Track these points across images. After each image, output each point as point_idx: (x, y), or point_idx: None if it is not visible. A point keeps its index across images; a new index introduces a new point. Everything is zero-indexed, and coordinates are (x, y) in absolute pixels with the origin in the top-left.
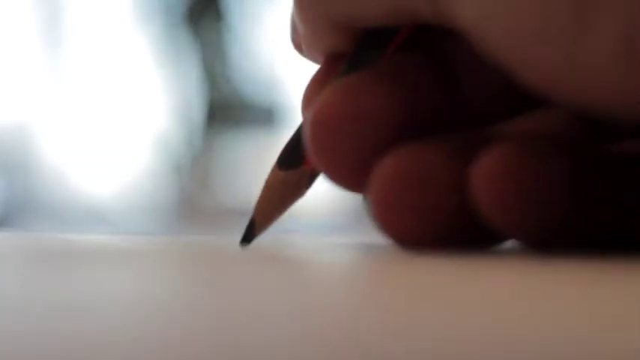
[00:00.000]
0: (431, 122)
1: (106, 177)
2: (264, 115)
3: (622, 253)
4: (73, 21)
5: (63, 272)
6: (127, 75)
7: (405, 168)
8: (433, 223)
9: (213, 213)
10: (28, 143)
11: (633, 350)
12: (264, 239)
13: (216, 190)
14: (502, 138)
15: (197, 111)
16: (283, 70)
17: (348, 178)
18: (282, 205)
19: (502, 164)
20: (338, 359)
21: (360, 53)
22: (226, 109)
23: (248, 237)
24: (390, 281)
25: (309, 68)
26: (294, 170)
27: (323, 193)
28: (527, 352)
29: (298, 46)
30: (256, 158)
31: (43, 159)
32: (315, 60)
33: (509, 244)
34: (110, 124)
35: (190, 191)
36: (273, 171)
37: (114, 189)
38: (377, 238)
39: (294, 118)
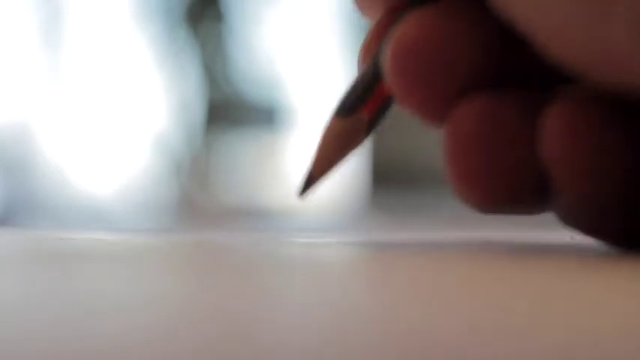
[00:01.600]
0: (508, 64)
1: (106, 176)
2: (264, 115)
3: None
4: (73, 21)
5: (62, 271)
6: (127, 75)
7: (478, 120)
8: (504, 177)
9: (213, 213)
10: (28, 143)
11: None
12: (264, 239)
13: (216, 190)
14: (574, 94)
15: (197, 111)
16: (283, 70)
17: (427, 105)
18: (341, 153)
19: (573, 116)
20: (337, 359)
21: None
22: (226, 109)
23: (306, 187)
24: (390, 280)
25: (309, 68)
26: (352, 117)
27: (323, 193)
28: (528, 352)
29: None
30: (256, 158)
31: (43, 158)
32: (372, 17)
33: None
34: (110, 124)
35: (190, 191)
36: (331, 120)
37: (114, 188)
38: (377, 238)
39: (294, 118)
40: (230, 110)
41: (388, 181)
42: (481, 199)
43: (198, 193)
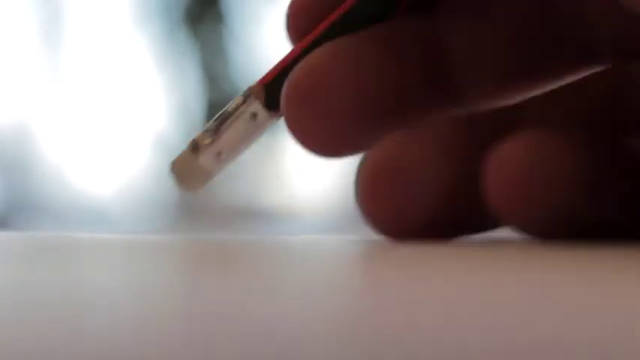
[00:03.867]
0: (412, 98)
1: (105, 177)
2: None
3: (632, 248)
4: (73, 21)
5: (62, 271)
6: (127, 75)
7: (389, 160)
8: (414, 216)
9: (213, 213)
10: (28, 143)
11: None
12: (264, 239)
13: (216, 190)
14: (514, 125)
15: (197, 111)
16: None
17: (322, 145)
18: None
19: (517, 154)
20: (337, 359)
21: (357, 10)
22: None
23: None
24: (390, 280)
25: None
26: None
27: (323, 193)
28: (528, 351)
29: None
30: (256, 158)
31: (43, 159)
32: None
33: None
34: (110, 124)
35: None
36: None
37: (114, 188)
38: (377, 238)
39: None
40: None
41: None
42: (391, 233)
43: (198, 194)
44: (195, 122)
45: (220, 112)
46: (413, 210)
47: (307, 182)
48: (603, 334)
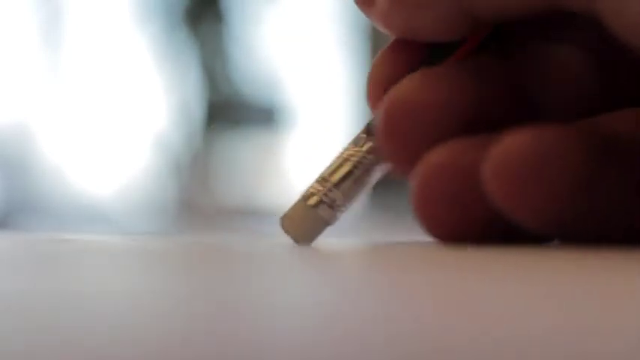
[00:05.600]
0: (496, 123)
1: (106, 177)
2: (264, 115)
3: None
4: (73, 21)
5: (62, 272)
6: (127, 75)
7: (441, 162)
8: (463, 218)
9: (213, 213)
10: (28, 143)
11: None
12: (264, 239)
13: (216, 190)
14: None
15: (197, 111)
16: (283, 70)
17: (410, 164)
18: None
19: (511, 153)
20: (336, 357)
21: (435, 51)
22: (226, 109)
23: None
24: (390, 280)
25: (309, 68)
26: None
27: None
28: (529, 351)
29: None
30: (256, 158)
31: (43, 159)
32: (386, 28)
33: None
34: (110, 124)
35: (190, 191)
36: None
37: (114, 189)
38: (377, 238)
39: (294, 118)
40: (230, 110)
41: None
42: (447, 239)
43: (198, 193)
44: (195, 122)
45: (333, 162)
46: (460, 210)
47: (307, 182)
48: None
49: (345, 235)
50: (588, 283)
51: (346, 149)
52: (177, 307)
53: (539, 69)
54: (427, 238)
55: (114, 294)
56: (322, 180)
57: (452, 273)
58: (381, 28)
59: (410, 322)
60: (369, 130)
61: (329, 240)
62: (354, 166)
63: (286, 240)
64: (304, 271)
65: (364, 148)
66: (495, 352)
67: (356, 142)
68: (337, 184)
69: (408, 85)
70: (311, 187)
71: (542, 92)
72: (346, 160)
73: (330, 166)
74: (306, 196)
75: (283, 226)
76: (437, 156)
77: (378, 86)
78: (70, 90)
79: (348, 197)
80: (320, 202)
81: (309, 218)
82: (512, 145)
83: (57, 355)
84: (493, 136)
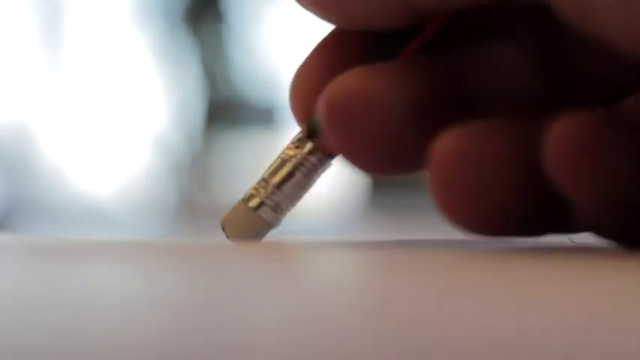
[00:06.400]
0: (443, 116)
1: (106, 177)
2: (264, 115)
3: None
4: (73, 21)
5: (62, 272)
6: (127, 75)
7: (462, 146)
8: (490, 204)
9: (213, 213)
10: (28, 143)
11: None
12: (264, 239)
13: (216, 190)
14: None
15: (197, 111)
16: (283, 70)
17: (359, 154)
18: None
19: (577, 130)
20: (336, 357)
21: (377, 48)
22: (226, 109)
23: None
24: (389, 280)
25: None
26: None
27: (323, 193)
28: (531, 353)
29: None
30: (256, 158)
31: (43, 159)
32: (326, 17)
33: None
34: (110, 124)
35: (190, 191)
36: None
37: (114, 189)
38: (377, 238)
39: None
40: (230, 110)
41: (388, 181)
42: (474, 228)
43: (198, 193)
44: (195, 122)
45: (273, 162)
46: (486, 198)
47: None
48: None
49: (345, 236)
50: (593, 284)
51: (287, 149)
52: (176, 306)
53: (485, 65)
54: (427, 238)
55: (112, 294)
56: (263, 181)
57: (451, 273)
58: (315, 14)
59: (409, 322)
60: (309, 132)
61: (329, 240)
62: (295, 167)
63: (286, 240)
64: (305, 270)
65: (305, 149)
66: (494, 352)
67: (296, 141)
68: (278, 186)
69: (350, 76)
70: (252, 188)
71: (486, 88)
72: (286, 160)
73: (270, 166)
74: (246, 198)
75: (224, 229)
76: (449, 143)
77: (305, 98)
78: (70, 90)
79: (290, 199)
80: (261, 204)
81: (251, 221)
82: (576, 122)
83: (57, 354)
84: (507, 121)
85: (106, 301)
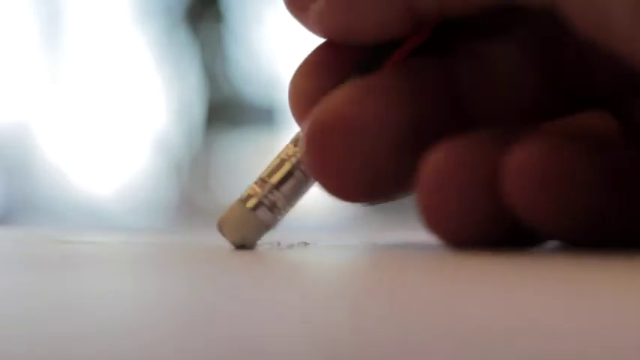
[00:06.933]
0: (432, 134)
1: (105, 176)
2: (264, 115)
3: None
4: (73, 21)
5: (62, 272)
6: (127, 75)
7: (448, 164)
8: (475, 221)
9: (213, 213)
10: (28, 142)
11: None
12: (264, 238)
13: (216, 190)
14: (534, 134)
15: (197, 111)
16: (283, 70)
17: (346, 187)
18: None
19: (533, 156)
20: (336, 357)
21: (369, 58)
22: (226, 109)
23: None
24: (389, 280)
25: None
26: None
27: (323, 193)
28: (532, 352)
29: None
30: (256, 158)
31: (43, 158)
32: (323, 30)
33: (549, 244)
34: (110, 124)
35: (190, 191)
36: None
37: (114, 188)
38: (377, 238)
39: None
40: (230, 110)
41: None
42: (456, 242)
43: (198, 193)
44: (195, 122)
45: (272, 162)
46: (470, 214)
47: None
48: None
49: (345, 236)
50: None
51: (285, 149)
52: (175, 306)
53: (478, 72)
54: (427, 238)
55: (113, 294)
56: (261, 181)
57: (451, 274)
58: (317, 33)
59: (409, 322)
60: None
61: (328, 240)
62: (294, 167)
63: (286, 239)
64: (305, 270)
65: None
66: (495, 352)
67: (295, 141)
68: (277, 186)
69: (338, 98)
70: (249, 188)
71: (482, 96)
72: (285, 160)
73: (269, 166)
74: (244, 199)
75: (221, 230)
76: (439, 158)
77: (302, 98)
78: (70, 90)
79: (289, 199)
80: (259, 204)
81: (248, 222)
82: (531, 154)
83: (56, 353)
84: (493, 137)
85: (104, 301)
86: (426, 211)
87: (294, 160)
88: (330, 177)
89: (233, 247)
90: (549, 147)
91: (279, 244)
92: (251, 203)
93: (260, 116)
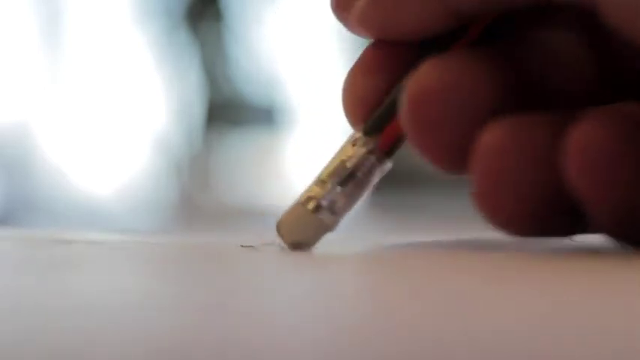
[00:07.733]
0: (520, 103)
1: (105, 176)
2: (264, 115)
3: None
4: (73, 21)
5: (62, 272)
6: (127, 75)
7: (503, 143)
8: (529, 201)
9: (213, 213)
10: (28, 142)
11: None
12: (263, 238)
13: (216, 190)
14: (593, 116)
15: (197, 111)
16: (283, 70)
17: (444, 153)
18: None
19: (598, 135)
20: (336, 359)
21: (425, 50)
22: (226, 109)
23: None
24: (389, 280)
25: (309, 68)
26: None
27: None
28: (532, 352)
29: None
30: (256, 158)
31: (43, 158)
32: (365, 29)
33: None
34: (110, 124)
35: (190, 191)
36: (355, 136)
37: (114, 188)
38: (377, 238)
39: (294, 118)
40: (230, 110)
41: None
42: (510, 227)
43: (198, 193)
44: (195, 122)
45: (331, 163)
46: (525, 193)
47: (307, 182)
48: None
49: (345, 236)
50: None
51: (343, 150)
52: (174, 306)
53: (539, 56)
54: (427, 239)
55: (113, 294)
56: (320, 182)
57: (451, 274)
58: (359, 33)
59: (409, 322)
60: (367, 131)
61: (327, 240)
62: (356, 168)
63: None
64: (305, 270)
65: (364, 149)
66: (496, 352)
67: (353, 142)
68: (338, 187)
69: (427, 72)
70: (309, 190)
71: (543, 82)
72: (345, 161)
73: (328, 167)
74: (304, 200)
75: (280, 232)
76: (494, 137)
77: (359, 99)
78: (70, 90)
79: (349, 201)
80: (319, 206)
81: (309, 224)
82: (593, 137)
83: (56, 353)
84: (547, 119)
85: (103, 301)
86: (479, 193)
87: (354, 160)
88: (430, 147)
89: (289, 248)
90: (612, 127)
91: (279, 244)
92: (311, 205)
93: (260, 116)
